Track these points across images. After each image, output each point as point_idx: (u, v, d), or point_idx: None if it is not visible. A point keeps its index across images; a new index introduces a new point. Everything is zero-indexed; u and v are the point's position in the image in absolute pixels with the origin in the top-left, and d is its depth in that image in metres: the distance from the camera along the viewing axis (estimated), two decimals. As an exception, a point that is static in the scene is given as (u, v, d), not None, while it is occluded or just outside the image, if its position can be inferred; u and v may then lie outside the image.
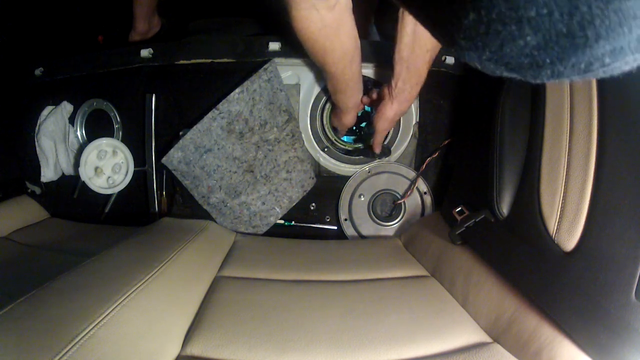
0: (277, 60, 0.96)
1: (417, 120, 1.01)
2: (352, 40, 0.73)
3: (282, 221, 1.02)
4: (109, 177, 1.04)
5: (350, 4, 0.67)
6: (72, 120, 1.09)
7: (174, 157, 0.93)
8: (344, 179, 1.02)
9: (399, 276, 0.76)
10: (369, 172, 1.01)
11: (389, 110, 0.83)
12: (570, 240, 0.52)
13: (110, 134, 1.06)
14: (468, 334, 0.57)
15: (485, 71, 0.23)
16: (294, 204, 1.01)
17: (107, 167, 1.03)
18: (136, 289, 0.52)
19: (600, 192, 0.50)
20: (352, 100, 0.88)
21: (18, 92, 1.15)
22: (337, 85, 0.82)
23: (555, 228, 0.55)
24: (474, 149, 0.84)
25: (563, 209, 0.54)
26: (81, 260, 0.60)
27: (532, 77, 0.21)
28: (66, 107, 1.08)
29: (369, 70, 0.98)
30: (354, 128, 1.05)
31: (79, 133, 1.10)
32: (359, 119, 1.00)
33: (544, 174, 0.60)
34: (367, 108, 1.00)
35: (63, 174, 1.11)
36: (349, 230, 1.01)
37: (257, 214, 0.99)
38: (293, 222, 1.02)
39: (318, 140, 1.02)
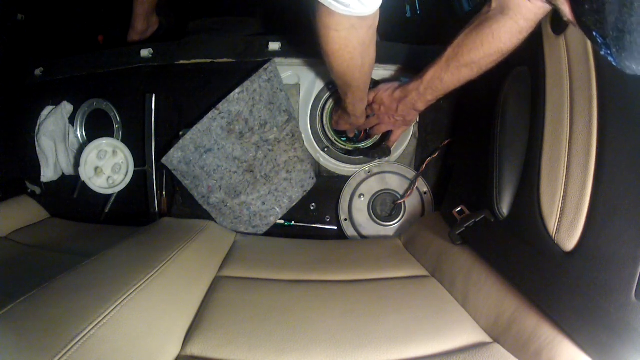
0: (277, 60, 0.96)
1: (417, 120, 1.01)
2: (375, 51, 0.73)
3: (282, 221, 1.02)
4: (109, 177, 1.04)
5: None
6: (72, 120, 1.09)
7: (174, 157, 0.93)
8: (344, 179, 1.02)
9: (399, 276, 0.76)
10: (369, 172, 1.01)
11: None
12: (570, 240, 0.52)
13: (110, 134, 1.06)
14: (468, 334, 0.57)
15: None
16: (294, 204, 1.01)
17: (107, 167, 1.03)
18: (136, 289, 0.52)
19: (600, 192, 0.50)
20: (366, 103, 0.89)
21: (18, 92, 1.15)
22: (358, 96, 0.83)
23: (555, 228, 0.55)
24: (474, 149, 0.84)
25: (563, 209, 0.54)
26: (81, 260, 0.60)
27: None
28: (66, 107, 1.08)
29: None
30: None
31: (79, 133, 1.10)
32: None
33: (544, 174, 0.60)
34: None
35: (63, 174, 1.10)
36: (349, 230, 1.01)
37: (257, 214, 0.99)
38: (293, 222, 1.02)
39: (318, 140, 1.02)
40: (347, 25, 0.62)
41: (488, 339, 0.56)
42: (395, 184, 1.01)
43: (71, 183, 1.10)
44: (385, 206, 1.02)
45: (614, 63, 0.34)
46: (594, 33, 0.33)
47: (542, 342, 0.49)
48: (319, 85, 1.00)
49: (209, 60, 1.00)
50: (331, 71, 0.74)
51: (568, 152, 0.56)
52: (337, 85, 0.82)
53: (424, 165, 0.99)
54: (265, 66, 0.93)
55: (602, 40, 0.33)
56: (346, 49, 0.67)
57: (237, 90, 0.92)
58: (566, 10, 0.36)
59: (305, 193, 1.01)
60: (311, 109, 1.01)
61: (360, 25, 0.63)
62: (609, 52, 0.33)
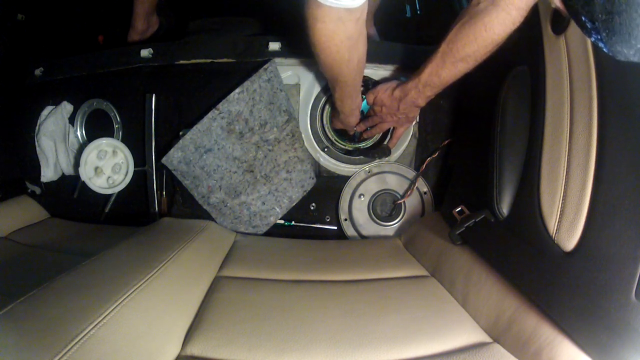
0: (277, 60, 0.96)
1: (417, 120, 1.01)
2: (365, 48, 0.73)
3: (282, 221, 1.02)
4: (109, 177, 1.04)
5: (366, 13, 0.67)
6: (72, 120, 1.09)
7: (174, 157, 0.93)
8: (344, 179, 1.02)
9: (399, 276, 0.76)
10: (369, 172, 1.01)
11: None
12: (570, 240, 0.52)
13: (110, 134, 1.06)
14: (468, 334, 0.57)
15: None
16: (294, 204, 1.01)
17: (107, 167, 1.03)
18: (136, 289, 0.52)
19: (600, 192, 0.50)
20: (357, 102, 0.89)
21: (18, 92, 1.15)
22: (346, 92, 0.83)
23: (555, 228, 0.55)
24: (474, 149, 0.84)
25: (563, 209, 0.54)
26: (81, 260, 0.60)
27: None
28: (66, 107, 1.08)
29: (369, 71, 0.98)
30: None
31: (79, 133, 1.10)
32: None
33: (544, 174, 0.60)
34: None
35: (63, 174, 1.10)
36: (349, 230, 1.01)
37: (257, 214, 0.99)
38: (293, 222, 1.02)
39: (318, 140, 1.02)
40: (334, 17, 0.62)
41: (488, 339, 0.56)
42: (395, 184, 1.01)
43: (71, 183, 1.10)
44: (385, 206, 1.02)
45: (604, 49, 0.33)
46: (583, 18, 0.33)
47: (542, 342, 0.49)
48: (319, 85, 1.00)
49: (209, 60, 1.00)
50: (319, 64, 0.74)
51: (568, 152, 0.56)
52: (327, 79, 0.81)
53: (424, 165, 0.99)
54: (265, 66, 0.93)
55: (591, 25, 0.32)
56: (332, 41, 0.66)
57: (237, 90, 0.92)
58: None
59: (305, 193, 1.01)
60: (311, 109, 1.01)
61: (347, 18, 0.63)
62: (599, 37, 0.33)
